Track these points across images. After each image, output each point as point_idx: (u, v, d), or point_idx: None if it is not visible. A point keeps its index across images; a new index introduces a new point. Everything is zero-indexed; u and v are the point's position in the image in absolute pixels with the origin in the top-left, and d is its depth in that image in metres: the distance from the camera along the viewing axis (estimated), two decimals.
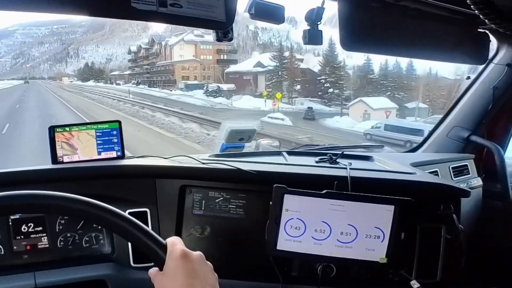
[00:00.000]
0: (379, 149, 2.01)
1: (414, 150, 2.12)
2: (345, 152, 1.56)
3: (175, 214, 1.31)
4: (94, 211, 0.68)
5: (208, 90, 42.71)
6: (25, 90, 46.55)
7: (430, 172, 1.68)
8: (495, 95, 1.84)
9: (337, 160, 1.46)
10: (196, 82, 52.26)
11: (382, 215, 1.13)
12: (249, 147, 1.76)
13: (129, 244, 1.26)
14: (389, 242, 1.13)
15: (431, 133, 2.08)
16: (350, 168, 1.33)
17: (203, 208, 1.31)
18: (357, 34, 1.32)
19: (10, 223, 1.21)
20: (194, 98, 39.06)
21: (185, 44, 58.05)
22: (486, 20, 0.84)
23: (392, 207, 1.12)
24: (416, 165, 1.61)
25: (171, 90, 49.74)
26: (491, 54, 1.85)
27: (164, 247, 0.69)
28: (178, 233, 1.31)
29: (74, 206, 0.68)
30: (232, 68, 51.66)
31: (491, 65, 1.88)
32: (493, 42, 1.80)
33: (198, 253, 0.71)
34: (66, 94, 40.15)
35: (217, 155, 1.53)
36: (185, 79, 54.27)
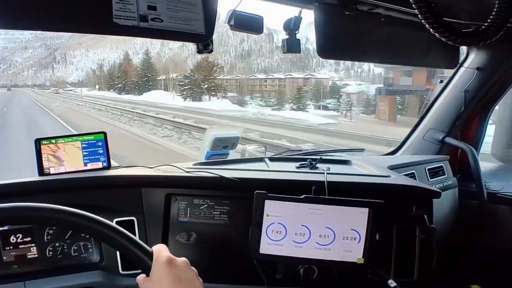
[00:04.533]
0: (359, 152, 2.06)
1: (393, 153, 2.17)
2: (324, 157, 1.61)
3: (161, 221, 1.34)
4: (81, 221, 0.71)
5: None
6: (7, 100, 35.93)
7: (407, 174, 1.73)
8: (466, 98, 1.90)
9: (317, 165, 1.51)
10: None
11: (357, 218, 1.18)
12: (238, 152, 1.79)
13: (118, 252, 1.28)
14: (365, 243, 1.18)
15: (408, 135, 2.14)
16: (328, 173, 1.37)
17: (188, 215, 1.34)
18: (333, 42, 1.36)
19: None
20: None
21: None
22: (443, 39, 0.91)
23: (366, 210, 1.17)
24: (393, 168, 1.66)
25: None
26: (461, 58, 1.90)
27: (150, 254, 0.72)
28: (165, 240, 1.33)
29: (61, 217, 0.70)
30: None
31: (462, 69, 1.94)
32: (463, 47, 1.86)
33: (182, 259, 0.74)
34: None
35: (201, 163, 1.56)
36: None
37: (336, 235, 1.19)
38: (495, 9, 0.88)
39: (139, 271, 1.22)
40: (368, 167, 1.57)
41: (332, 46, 1.37)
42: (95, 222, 0.71)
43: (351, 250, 1.19)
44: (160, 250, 0.73)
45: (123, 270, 1.29)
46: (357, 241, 1.19)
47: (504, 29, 0.89)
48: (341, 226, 1.19)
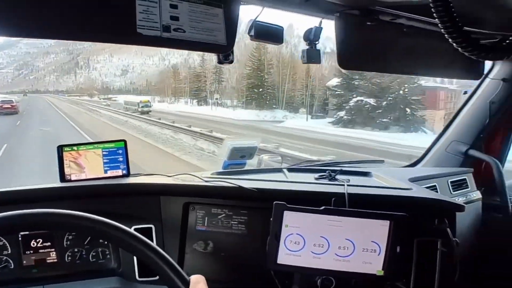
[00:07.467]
0: (379, 164, 2.03)
1: (413, 164, 2.14)
2: (344, 168, 1.59)
3: (179, 230, 1.35)
4: (124, 237, 0.72)
5: None
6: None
7: (429, 187, 1.71)
8: (491, 109, 1.86)
9: (336, 177, 1.50)
10: None
11: (378, 230, 1.17)
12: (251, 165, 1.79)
13: (135, 259, 1.30)
14: (385, 255, 1.18)
15: (430, 147, 2.11)
16: (348, 185, 1.37)
17: (206, 224, 1.35)
18: (354, 52, 1.35)
19: (20, 239, 1.25)
20: None
21: None
22: (466, 53, 0.87)
23: (387, 222, 1.17)
24: (414, 180, 1.64)
25: None
26: (486, 69, 1.87)
27: (187, 283, 0.71)
28: (182, 249, 1.34)
29: (101, 228, 0.72)
30: None
31: (487, 80, 1.90)
32: None
33: None
34: None
35: (219, 173, 1.57)
36: None
37: (356, 247, 1.19)
38: None
39: (156, 278, 1.20)
40: (389, 179, 1.55)
41: (353, 57, 1.36)
42: (138, 241, 0.73)
43: (371, 262, 1.19)
44: (198, 281, 0.72)
45: (140, 277, 1.30)
46: (377, 253, 1.18)
47: None
48: (361, 238, 1.18)
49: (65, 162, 1.38)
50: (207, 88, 43.78)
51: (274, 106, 33.87)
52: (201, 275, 0.74)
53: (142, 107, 30.30)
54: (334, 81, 26.72)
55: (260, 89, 34.96)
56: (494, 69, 1.88)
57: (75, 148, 1.39)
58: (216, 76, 42.75)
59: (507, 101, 1.87)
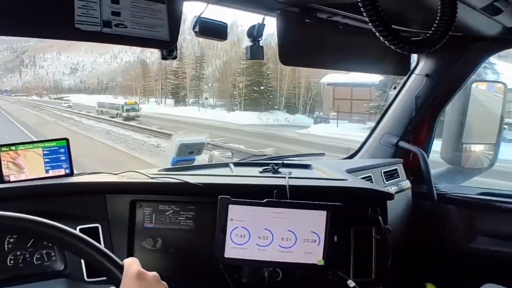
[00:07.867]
0: (320, 157, 2.13)
1: (351, 157, 2.25)
2: (286, 162, 1.66)
3: (126, 228, 1.34)
4: (52, 232, 0.72)
5: None
6: None
7: (364, 177, 1.80)
8: (417, 103, 1.99)
9: (279, 170, 1.55)
10: None
11: (316, 220, 1.22)
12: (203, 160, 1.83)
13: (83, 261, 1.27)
14: (324, 245, 1.23)
15: (366, 140, 2.22)
16: (289, 177, 1.42)
17: (153, 221, 1.35)
18: (294, 49, 1.40)
19: None
20: None
21: None
22: (392, 47, 0.95)
23: (324, 212, 1.22)
24: (351, 171, 1.72)
25: None
26: (412, 66, 2.03)
27: (120, 267, 0.73)
28: (130, 247, 1.34)
29: (28, 226, 0.71)
30: None
31: (413, 76, 2.03)
32: (414, 55, 2.00)
33: (153, 273, 0.74)
34: None
35: (166, 169, 1.57)
36: None
37: (298, 238, 1.23)
38: (437, 19, 0.92)
39: (105, 278, 1.22)
40: (327, 171, 1.62)
41: (294, 53, 1.41)
42: (65, 233, 0.73)
43: (312, 252, 1.23)
44: (131, 264, 0.74)
45: (88, 277, 1.28)
46: (317, 243, 1.23)
47: (447, 37, 0.93)
48: (302, 229, 1.23)
49: (2, 162, 1.33)
50: (186, 85, 37.76)
51: (276, 107, 30.34)
52: (134, 258, 0.76)
53: (128, 110, 23.83)
54: (331, 78, 24.08)
55: (261, 87, 30.80)
56: (419, 66, 2.02)
57: (13, 148, 1.34)
58: (196, 73, 37.39)
59: (430, 96, 2.00)
